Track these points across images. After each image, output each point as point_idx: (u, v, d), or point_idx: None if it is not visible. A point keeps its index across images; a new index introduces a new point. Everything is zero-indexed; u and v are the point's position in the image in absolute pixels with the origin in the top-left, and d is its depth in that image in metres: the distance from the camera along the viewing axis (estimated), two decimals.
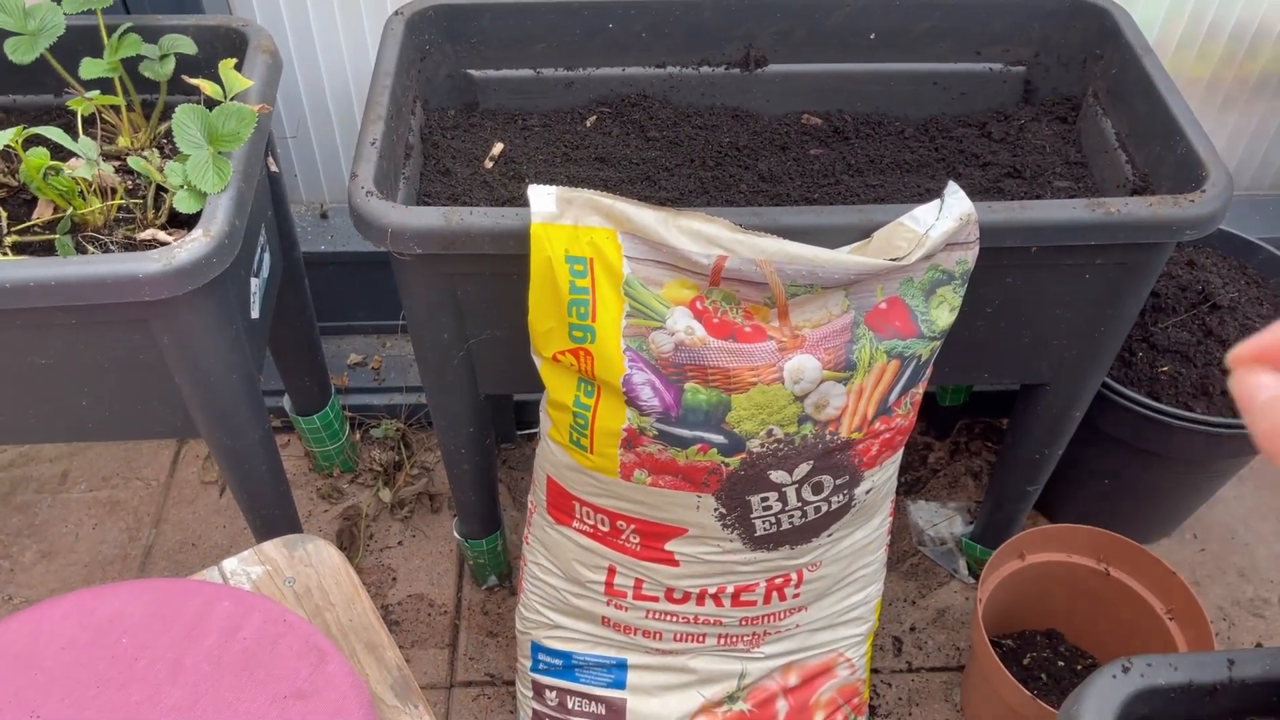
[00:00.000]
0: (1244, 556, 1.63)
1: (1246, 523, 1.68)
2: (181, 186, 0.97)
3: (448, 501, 1.66)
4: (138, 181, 1.05)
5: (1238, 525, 1.67)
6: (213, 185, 0.96)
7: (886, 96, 1.28)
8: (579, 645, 1.26)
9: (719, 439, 0.99)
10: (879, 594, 1.30)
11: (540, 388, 1.04)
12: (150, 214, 1.02)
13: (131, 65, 1.10)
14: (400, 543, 1.62)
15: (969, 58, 1.27)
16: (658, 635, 1.22)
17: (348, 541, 1.60)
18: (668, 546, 1.12)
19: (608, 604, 1.20)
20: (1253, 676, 0.83)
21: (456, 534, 1.46)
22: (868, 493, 1.11)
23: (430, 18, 1.18)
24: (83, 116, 1.07)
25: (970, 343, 1.13)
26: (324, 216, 1.70)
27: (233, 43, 1.17)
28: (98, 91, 1.06)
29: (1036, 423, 1.28)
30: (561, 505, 1.15)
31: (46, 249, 0.99)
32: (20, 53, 1.04)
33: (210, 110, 0.99)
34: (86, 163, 0.99)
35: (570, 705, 1.28)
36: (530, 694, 1.31)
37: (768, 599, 1.19)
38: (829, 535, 1.14)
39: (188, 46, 1.12)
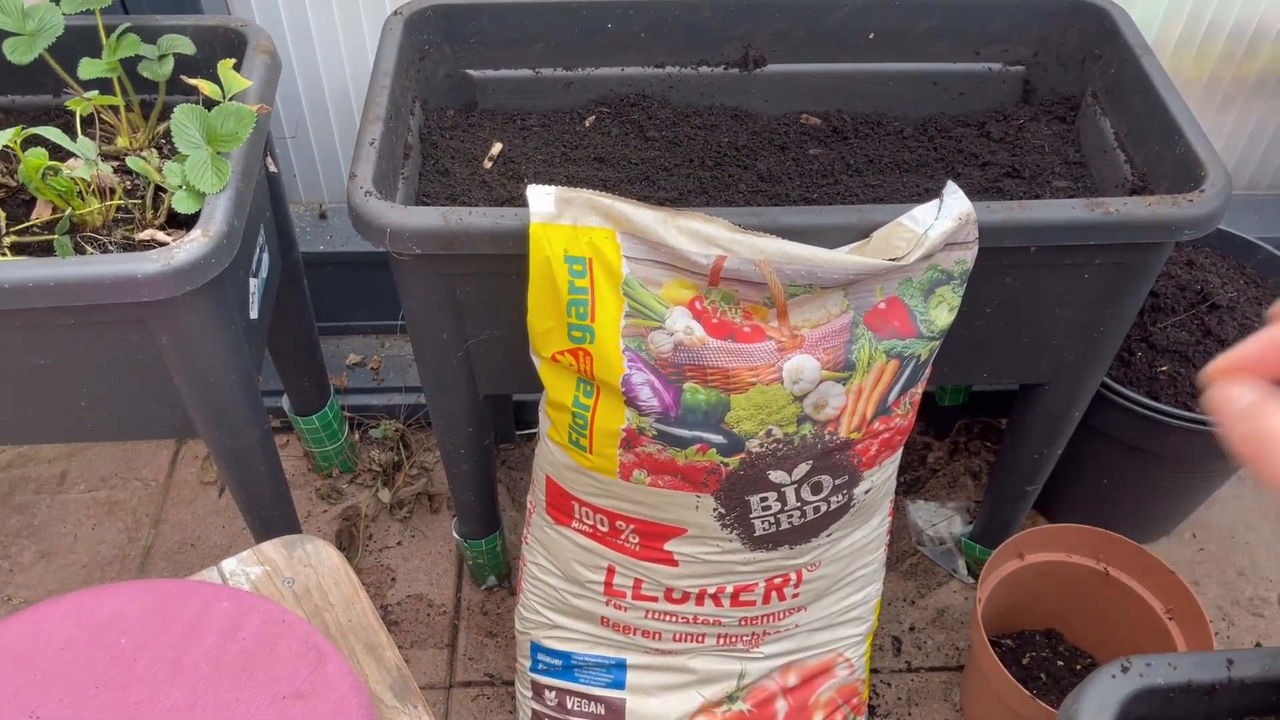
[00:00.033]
0: (1243, 556, 1.64)
1: (1246, 522, 1.68)
2: (180, 187, 0.97)
3: (447, 502, 1.66)
4: (136, 182, 1.05)
5: (1237, 525, 1.68)
6: (211, 185, 0.96)
7: (885, 96, 1.28)
8: (578, 645, 1.26)
9: (718, 439, 0.99)
10: (878, 594, 1.30)
11: (539, 388, 1.04)
12: (149, 214, 1.02)
13: (130, 65, 1.10)
14: (399, 543, 1.62)
15: (968, 57, 1.27)
16: (657, 635, 1.22)
17: (347, 542, 1.60)
18: (667, 546, 1.12)
19: (607, 604, 1.20)
20: (1252, 676, 0.83)
21: (456, 534, 1.46)
22: (867, 493, 1.11)
23: (429, 18, 1.18)
24: (81, 117, 1.07)
25: (969, 342, 1.13)
26: (323, 216, 1.70)
27: (231, 43, 1.17)
28: (96, 92, 1.06)
29: (1035, 422, 1.28)
30: (561, 505, 1.15)
31: (45, 249, 0.99)
32: (19, 53, 1.04)
33: (209, 110, 0.99)
34: (85, 163, 0.99)
35: (569, 705, 1.28)
36: (529, 694, 1.31)
37: (767, 599, 1.19)
38: (828, 535, 1.14)
39: (186, 47, 1.12)
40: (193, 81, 1.01)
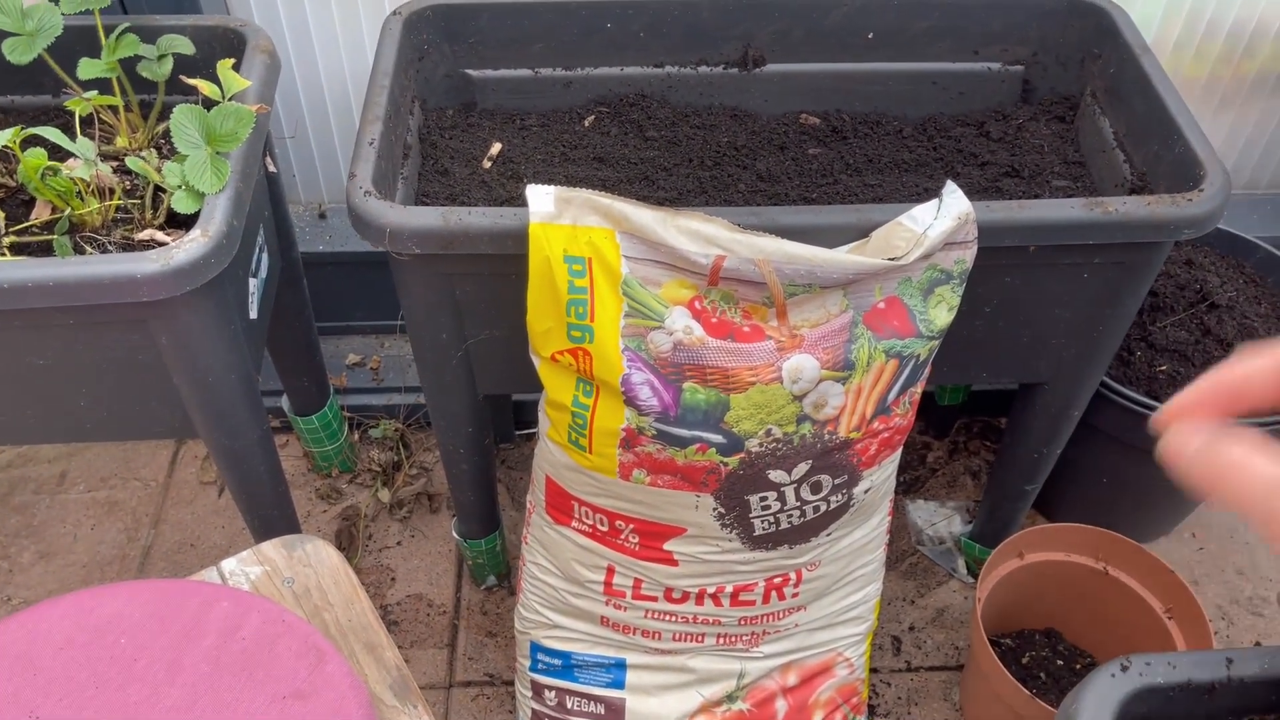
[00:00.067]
0: (1242, 555, 1.64)
1: (1245, 521, 1.68)
2: (179, 187, 0.97)
3: (446, 501, 1.66)
4: (136, 182, 1.05)
5: (1236, 524, 1.68)
6: (211, 185, 0.96)
7: (885, 96, 1.28)
8: (578, 645, 1.26)
9: (717, 439, 0.99)
10: (878, 593, 1.30)
11: (539, 388, 1.04)
12: (148, 214, 1.02)
13: (129, 65, 1.10)
14: (399, 543, 1.62)
15: (967, 57, 1.27)
16: (657, 635, 1.22)
17: (346, 542, 1.60)
18: (666, 546, 1.12)
19: (606, 604, 1.20)
20: (1251, 675, 0.83)
21: (455, 534, 1.46)
22: (866, 492, 1.11)
23: (428, 17, 1.18)
24: (80, 117, 1.07)
25: (968, 342, 1.13)
26: (322, 216, 1.70)
27: (230, 43, 1.17)
28: (95, 92, 1.06)
29: (1035, 422, 1.28)
30: (560, 505, 1.15)
31: (44, 249, 0.99)
32: (18, 53, 1.04)
33: (208, 110, 0.99)
34: (84, 163, 0.99)
35: (569, 705, 1.28)
36: (529, 694, 1.31)
37: (766, 598, 1.19)
38: (828, 535, 1.14)
39: (185, 47, 1.12)
40: (192, 81, 1.01)
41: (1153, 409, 1.32)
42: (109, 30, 1.09)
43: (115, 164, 1.07)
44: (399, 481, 1.68)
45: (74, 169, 1.00)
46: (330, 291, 1.69)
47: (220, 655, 0.77)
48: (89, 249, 0.99)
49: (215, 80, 1.02)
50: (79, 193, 1.00)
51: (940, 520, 1.64)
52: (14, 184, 1.07)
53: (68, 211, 1.00)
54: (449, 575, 1.58)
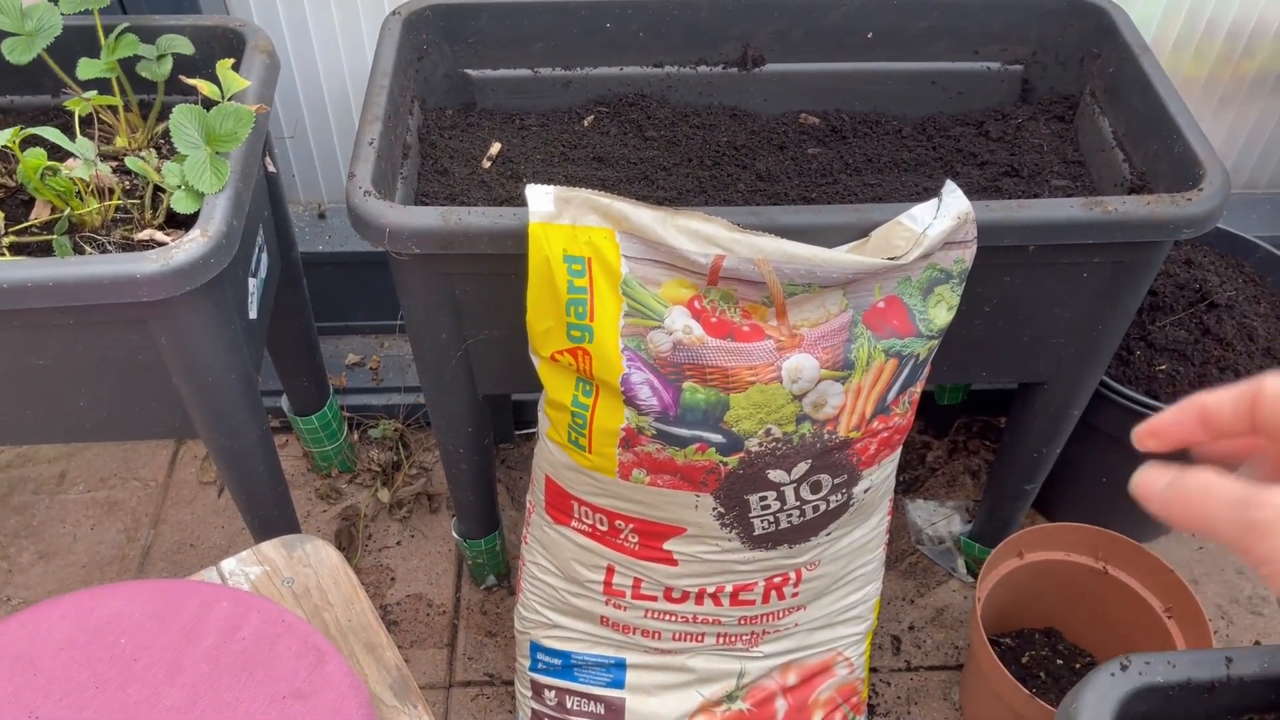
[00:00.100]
0: None
1: (1214, 541, 1.68)
2: (179, 187, 0.97)
3: (446, 501, 1.66)
4: (135, 182, 1.05)
5: None
6: (210, 185, 0.96)
7: (884, 95, 1.28)
8: (578, 645, 1.26)
9: (717, 438, 0.99)
10: (877, 593, 1.30)
11: (538, 387, 1.04)
12: (148, 214, 1.02)
13: (129, 65, 1.10)
14: (399, 543, 1.62)
15: (966, 57, 1.27)
16: (656, 635, 1.22)
17: (346, 542, 1.60)
18: (666, 546, 1.12)
19: (606, 603, 1.20)
20: (1251, 674, 0.84)
21: (455, 534, 1.46)
22: (866, 491, 1.11)
23: (428, 17, 1.18)
24: (80, 117, 1.07)
25: (968, 341, 1.13)
26: (322, 216, 1.70)
27: (230, 43, 1.17)
28: (95, 92, 1.06)
29: (1034, 421, 1.28)
30: (560, 505, 1.15)
31: (44, 249, 0.99)
32: (17, 53, 1.04)
33: (208, 110, 0.99)
34: (84, 163, 0.99)
35: (569, 705, 1.28)
36: (529, 694, 1.31)
37: (766, 598, 1.19)
38: (827, 534, 1.14)
39: (185, 47, 1.12)
40: (191, 81, 1.01)
41: (1153, 408, 1.32)
42: (108, 30, 1.09)
43: (115, 164, 1.07)
44: (399, 481, 1.68)
45: (73, 169, 1.00)
46: (330, 291, 1.69)
47: (220, 655, 0.77)
48: (88, 249, 0.99)
49: (215, 80, 1.02)
50: (78, 193, 1.00)
51: (940, 520, 1.64)
52: (13, 184, 1.07)
53: (67, 211, 1.00)
54: (449, 575, 1.58)
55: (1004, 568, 1.36)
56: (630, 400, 0.96)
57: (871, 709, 1.44)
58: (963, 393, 1.70)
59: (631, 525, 1.11)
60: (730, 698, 1.27)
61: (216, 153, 0.98)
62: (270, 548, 0.93)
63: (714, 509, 1.06)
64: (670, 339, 0.94)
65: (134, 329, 0.98)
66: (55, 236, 0.98)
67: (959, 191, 0.96)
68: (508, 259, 0.94)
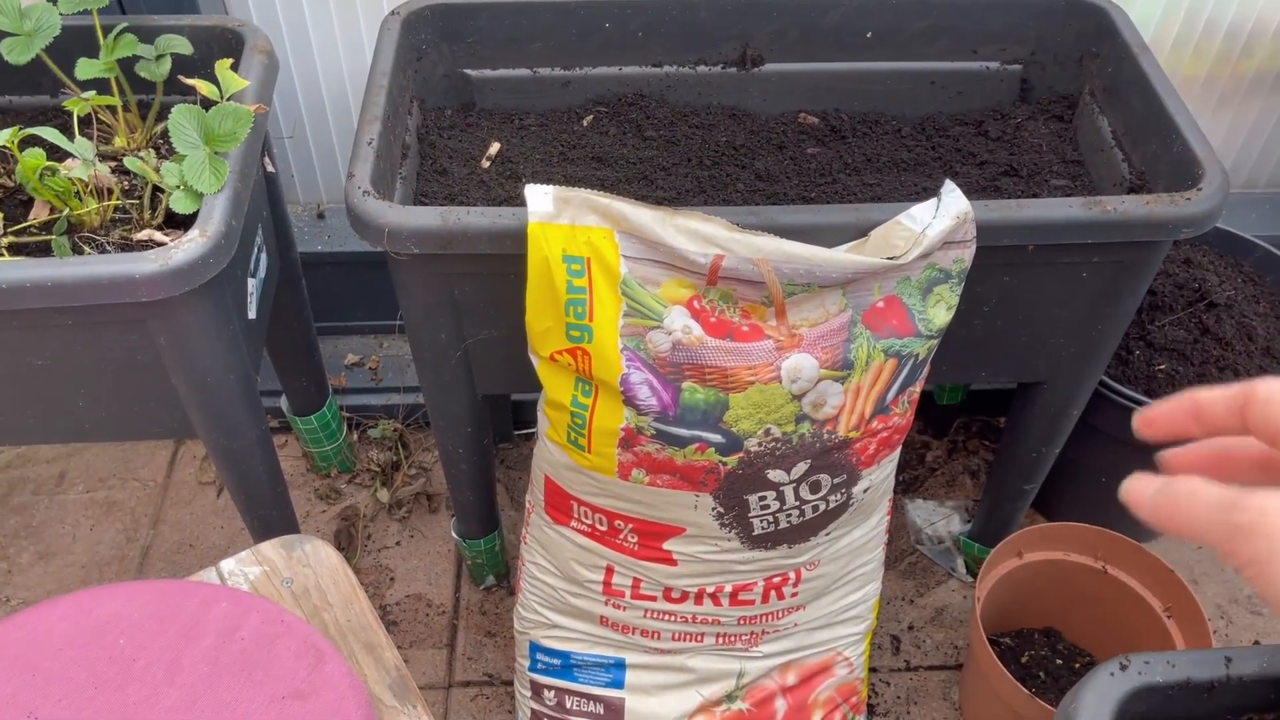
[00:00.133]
0: None
1: (1203, 545, 1.68)
2: (178, 187, 0.97)
3: (445, 501, 1.66)
4: (134, 182, 1.05)
5: None
6: (209, 185, 0.96)
7: (883, 95, 1.28)
8: (577, 645, 1.26)
9: (716, 438, 0.99)
10: (877, 593, 1.30)
11: (538, 387, 1.04)
12: (147, 214, 1.02)
13: (128, 66, 1.10)
14: (398, 543, 1.61)
15: (965, 56, 1.27)
16: (656, 635, 1.22)
17: (345, 542, 1.60)
18: (666, 546, 1.12)
19: (606, 603, 1.20)
20: (1250, 674, 0.83)
21: (454, 534, 1.46)
22: (865, 491, 1.11)
23: (427, 17, 1.18)
24: (79, 117, 1.07)
25: (967, 341, 1.13)
26: (321, 217, 1.70)
27: (229, 43, 1.17)
28: (94, 92, 1.06)
29: (1034, 421, 1.28)
30: (559, 505, 1.15)
31: (43, 250, 0.99)
32: (16, 53, 1.04)
33: (206, 110, 0.99)
34: (83, 163, 0.99)
35: (569, 705, 1.28)
36: (529, 694, 1.31)
37: (766, 598, 1.19)
38: (827, 534, 1.14)
39: (184, 47, 1.12)
40: (190, 81, 1.01)
41: None
42: (107, 30, 1.09)
43: (113, 164, 1.07)
44: (398, 481, 1.68)
45: (72, 169, 1.00)
46: (329, 292, 1.69)
47: (219, 655, 0.77)
48: (87, 249, 0.99)
49: (213, 80, 1.02)
50: (77, 193, 1.00)
51: (939, 519, 1.64)
52: (12, 184, 1.07)
53: (66, 212, 1.00)
54: (448, 575, 1.57)
55: (1003, 567, 1.36)
56: (629, 400, 0.96)
57: (871, 709, 1.44)
58: (962, 392, 1.70)
59: (631, 525, 1.11)
60: (730, 698, 1.27)
61: (215, 153, 0.98)
62: (269, 548, 0.93)
63: (713, 509, 1.06)
64: (669, 339, 0.94)
65: (133, 329, 0.97)
66: (54, 237, 0.98)
67: (958, 191, 0.96)
68: (507, 259, 0.94)
